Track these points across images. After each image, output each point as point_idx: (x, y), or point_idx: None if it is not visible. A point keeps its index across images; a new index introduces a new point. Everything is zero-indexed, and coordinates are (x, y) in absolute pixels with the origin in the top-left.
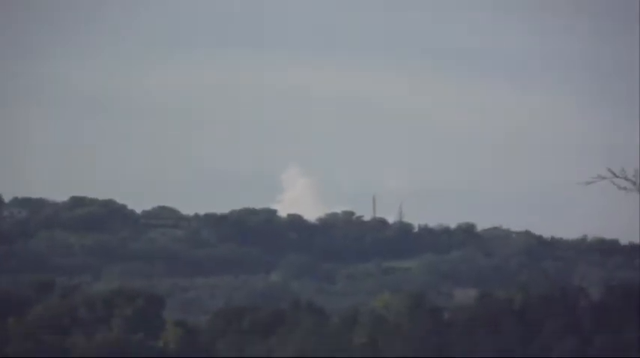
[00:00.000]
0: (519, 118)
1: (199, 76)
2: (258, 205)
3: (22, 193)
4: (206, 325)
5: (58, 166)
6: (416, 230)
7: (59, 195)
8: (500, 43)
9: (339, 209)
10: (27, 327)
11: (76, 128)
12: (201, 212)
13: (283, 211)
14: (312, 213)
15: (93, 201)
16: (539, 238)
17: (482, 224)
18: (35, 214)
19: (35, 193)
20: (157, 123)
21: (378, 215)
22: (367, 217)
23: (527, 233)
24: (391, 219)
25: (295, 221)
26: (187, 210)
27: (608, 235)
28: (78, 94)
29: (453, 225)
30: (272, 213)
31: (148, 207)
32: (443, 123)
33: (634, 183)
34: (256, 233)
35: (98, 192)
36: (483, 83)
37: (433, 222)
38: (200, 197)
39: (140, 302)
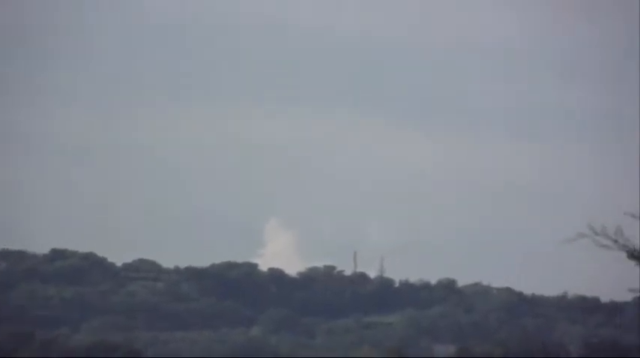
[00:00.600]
0: (501, 175)
1: (181, 127)
2: (239, 258)
3: (2, 245)
4: None
5: (38, 218)
6: (397, 285)
7: (39, 247)
8: (488, 93)
9: (320, 263)
10: None
11: (56, 178)
12: (182, 265)
13: (264, 265)
14: (293, 266)
15: (73, 254)
16: (520, 294)
17: (463, 280)
18: (15, 266)
19: (15, 245)
20: (138, 175)
21: (359, 269)
22: (348, 271)
23: (507, 289)
24: (372, 273)
25: (276, 275)
26: (168, 262)
27: (589, 293)
28: (56, 143)
29: (433, 281)
30: (253, 266)
31: (129, 259)
32: (425, 177)
33: (615, 241)
34: (237, 287)
35: (78, 244)
36: (464, 138)
37: (414, 277)
38: (180, 249)
39: (119, 355)
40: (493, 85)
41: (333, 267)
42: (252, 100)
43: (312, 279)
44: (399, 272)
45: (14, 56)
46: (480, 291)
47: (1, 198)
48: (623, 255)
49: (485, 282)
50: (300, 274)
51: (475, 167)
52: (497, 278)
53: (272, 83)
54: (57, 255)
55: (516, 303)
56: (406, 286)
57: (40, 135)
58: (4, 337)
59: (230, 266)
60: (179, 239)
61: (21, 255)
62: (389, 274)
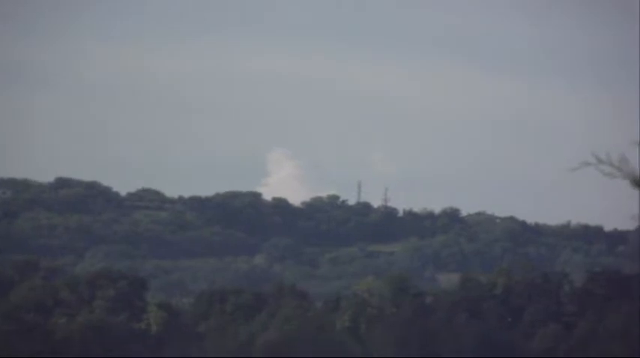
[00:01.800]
0: (506, 106)
1: (186, 63)
2: (243, 188)
3: (6, 174)
4: (189, 307)
5: (43, 147)
6: (400, 214)
7: (44, 176)
8: (490, 33)
9: (324, 193)
10: (10, 307)
11: (62, 111)
12: (186, 194)
13: (268, 194)
14: (297, 196)
15: (78, 183)
16: (523, 223)
17: (466, 209)
18: (19, 195)
19: (20, 174)
20: (143, 108)
21: (363, 199)
22: (352, 201)
23: (511, 218)
24: (376, 203)
25: (280, 204)
26: (172, 192)
27: (593, 221)
28: (63, 79)
29: (437, 210)
30: (257, 196)
31: (133, 189)
32: (430, 110)
33: (619, 169)
34: (241, 216)
35: (83, 173)
36: (470, 73)
37: (418, 206)
38: (185, 180)
39: (123, 284)
40: (500, 24)
41: (337, 197)
42: (253, 32)
43: (316, 209)
44: (403, 201)
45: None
46: (484, 220)
47: (8, 128)
48: (627, 183)
49: (488, 211)
50: (304, 203)
51: (480, 99)
52: (500, 207)
53: (275, 15)
54: (61, 183)
55: (519, 232)
56: (410, 216)
57: (48, 70)
58: (9, 265)
59: (234, 195)
60: (183, 169)
61: (26, 184)
62: (393, 204)
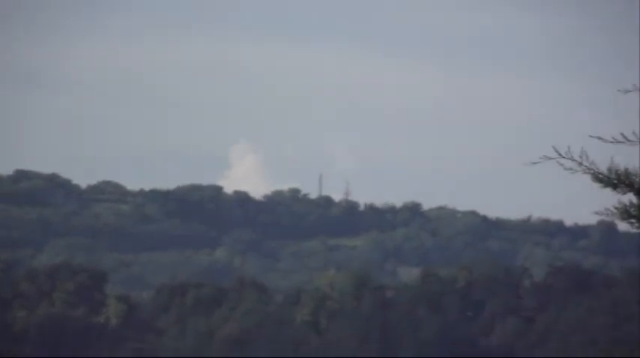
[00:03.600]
0: (466, 97)
1: (149, 54)
2: (205, 181)
3: None
4: (149, 300)
5: (1, 139)
6: (362, 208)
7: (2, 168)
8: (445, 22)
9: (285, 186)
10: None
11: (22, 102)
12: (147, 187)
13: (230, 187)
14: (258, 189)
15: (37, 175)
16: (484, 218)
17: (428, 203)
18: None
19: None
20: (106, 99)
21: (325, 193)
22: (314, 195)
23: (472, 213)
24: (337, 196)
25: (241, 197)
26: (133, 185)
27: (553, 216)
28: (24, 68)
29: (399, 204)
30: (218, 189)
31: (93, 181)
32: (390, 101)
33: (580, 164)
34: (202, 209)
35: (42, 165)
36: (430, 62)
37: (379, 201)
38: (147, 172)
39: (83, 277)
40: (458, 13)
41: (298, 190)
42: (217, 24)
43: (277, 202)
44: (364, 195)
45: None
46: (445, 215)
47: None
48: (588, 178)
49: (450, 206)
50: (266, 197)
51: (441, 92)
52: (461, 201)
53: (240, 6)
54: (21, 175)
55: (481, 226)
56: (371, 209)
57: (8, 63)
58: None
59: (195, 188)
60: (145, 161)
61: None
62: (354, 197)
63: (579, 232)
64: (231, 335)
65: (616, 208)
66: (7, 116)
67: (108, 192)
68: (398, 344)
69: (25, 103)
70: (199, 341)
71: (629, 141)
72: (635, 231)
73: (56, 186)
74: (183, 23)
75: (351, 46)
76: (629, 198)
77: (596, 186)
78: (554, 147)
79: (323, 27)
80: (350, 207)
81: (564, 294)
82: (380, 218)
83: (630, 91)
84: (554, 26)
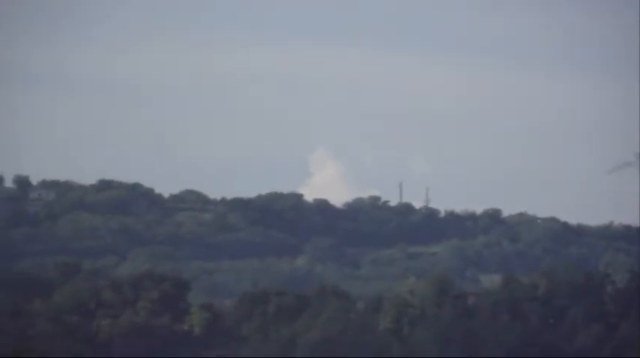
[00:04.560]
0: (546, 106)
1: (230, 63)
2: (285, 189)
3: (50, 176)
4: (231, 308)
5: (86, 149)
6: (442, 215)
7: (87, 177)
8: (530, 34)
9: (365, 193)
10: (53, 309)
11: (105, 113)
12: (229, 196)
13: (310, 195)
14: (338, 197)
15: (120, 184)
16: (565, 224)
17: (508, 210)
18: (62, 197)
19: (62, 176)
20: (187, 110)
21: (405, 200)
22: (394, 202)
23: (552, 219)
24: (418, 204)
25: (321, 205)
26: (214, 194)
27: (635, 222)
28: (107, 81)
29: (479, 211)
30: (298, 197)
31: (175, 190)
32: (471, 110)
33: None
34: (283, 217)
35: (125, 175)
36: (509, 74)
37: (459, 207)
38: (228, 181)
39: (166, 286)
40: (539, 24)
41: (378, 198)
42: (294, 33)
43: (357, 210)
44: (445, 202)
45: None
46: (525, 221)
47: (50, 131)
48: None
49: (530, 212)
50: (346, 204)
51: (520, 100)
52: (542, 207)
53: (318, 14)
54: (104, 185)
55: (561, 233)
56: (451, 216)
57: (85, 72)
58: (52, 267)
59: (276, 196)
60: (226, 170)
61: (68, 186)
62: (434, 204)
63: None
64: (314, 342)
65: None
66: (91, 127)
67: (190, 200)
68: (479, 350)
69: (107, 114)
70: (282, 348)
71: None
72: None
73: (139, 195)
74: (257, 33)
75: (431, 55)
76: None
77: None
78: (635, 153)
79: (403, 35)
80: (430, 213)
81: None
82: (460, 225)
83: None
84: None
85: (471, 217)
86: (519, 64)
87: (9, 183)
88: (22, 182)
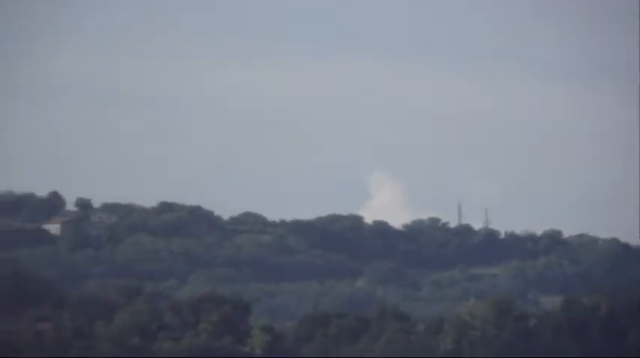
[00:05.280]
0: (608, 126)
1: (285, 81)
2: (344, 211)
3: (112, 199)
4: (292, 330)
5: (146, 172)
6: (502, 236)
7: (148, 200)
8: (567, 51)
9: (425, 215)
10: (114, 331)
11: (167, 135)
12: (288, 218)
13: (369, 217)
14: (398, 218)
15: (180, 207)
16: (626, 246)
17: (568, 231)
18: (124, 219)
19: (124, 198)
20: (243, 134)
21: (464, 221)
22: (453, 223)
23: (613, 240)
24: (477, 225)
25: (381, 227)
26: (273, 215)
27: None
28: (159, 100)
29: (539, 232)
30: (358, 219)
31: (235, 213)
32: (529, 130)
33: None
34: (342, 239)
35: (186, 197)
36: (567, 90)
37: (519, 228)
38: (287, 203)
39: (227, 308)
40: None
41: (437, 219)
42: (364, 48)
43: (417, 231)
44: (504, 223)
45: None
46: (586, 242)
47: (112, 153)
48: None
49: (591, 233)
50: (405, 226)
51: (579, 117)
52: (603, 229)
53: (375, 32)
54: (165, 208)
55: (622, 254)
56: (511, 237)
57: (146, 92)
58: (114, 289)
59: (335, 218)
60: (285, 192)
61: (130, 209)
62: (494, 225)
63: None
64: None
65: None
66: (152, 150)
67: (249, 223)
68: None
69: (169, 137)
70: None
71: None
72: None
73: (199, 217)
74: (314, 47)
75: (486, 75)
76: None
77: None
78: None
79: (457, 54)
80: (490, 235)
81: None
82: (521, 246)
83: None
84: None
85: (531, 238)
86: (574, 83)
87: (70, 206)
88: (84, 205)
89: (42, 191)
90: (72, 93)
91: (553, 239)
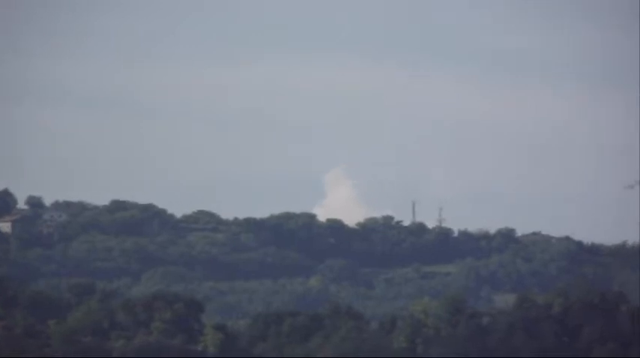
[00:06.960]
0: (561, 124)
1: (243, 80)
2: (298, 209)
3: (63, 197)
4: (245, 329)
5: (98, 170)
6: (455, 235)
7: (99, 198)
8: (539, 45)
9: (379, 213)
10: (67, 330)
11: (116, 133)
12: (241, 216)
13: (323, 215)
14: (351, 217)
15: (133, 205)
16: (579, 244)
17: (522, 229)
18: (75, 218)
19: (75, 197)
20: (197, 130)
21: (418, 219)
22: (407, 222)
23: (567, 238)
24: (431, 223)
25: (335, 225)
26: (227, 214)
27: None
28: (116, 98)
29: (492, 230)
30: (311, 217)
31: (188, 211)
32: (483, 128)
33: None
34: (296, 237)
35: (138, 195)
36: (523, 91)
37: (473, 226)
38: (241, 201)
39: (180, 307)
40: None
41: (391, 218)
42: (320, 47)
43: (370, 230)
44: (458, 221)
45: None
46: (539, 241)
47: (63, 151)
48: None
49: (544, 231)
50: (359, 224)
51: (534, 117)
52: (556, 227)
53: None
54: (117, 206)
55: (576, 252)
56: (465, 236)
57: (95, 89)
58: (66, 288)
59: (289, 216)
60: (239, 190)
61: (81, 207)
62: (448, 224)
63: None
64: None
65: None
66: (103, 147)
67: (202, 221)
68: None
69: (119, 134)
70: None
71: None
72: None
73: (152, 215)
74: (275, 47)
75: (443, 72)
76: None
77: None
78: None
79: (414, 52)
80: (443, 233)
81: None
82: (474, 244)
83: None
84: None
85: (485, 237)
86: (529, 79)
87: (22, 204)
88: (35, 203)
89: None
90: (25, 92)
91: (506, 237)
